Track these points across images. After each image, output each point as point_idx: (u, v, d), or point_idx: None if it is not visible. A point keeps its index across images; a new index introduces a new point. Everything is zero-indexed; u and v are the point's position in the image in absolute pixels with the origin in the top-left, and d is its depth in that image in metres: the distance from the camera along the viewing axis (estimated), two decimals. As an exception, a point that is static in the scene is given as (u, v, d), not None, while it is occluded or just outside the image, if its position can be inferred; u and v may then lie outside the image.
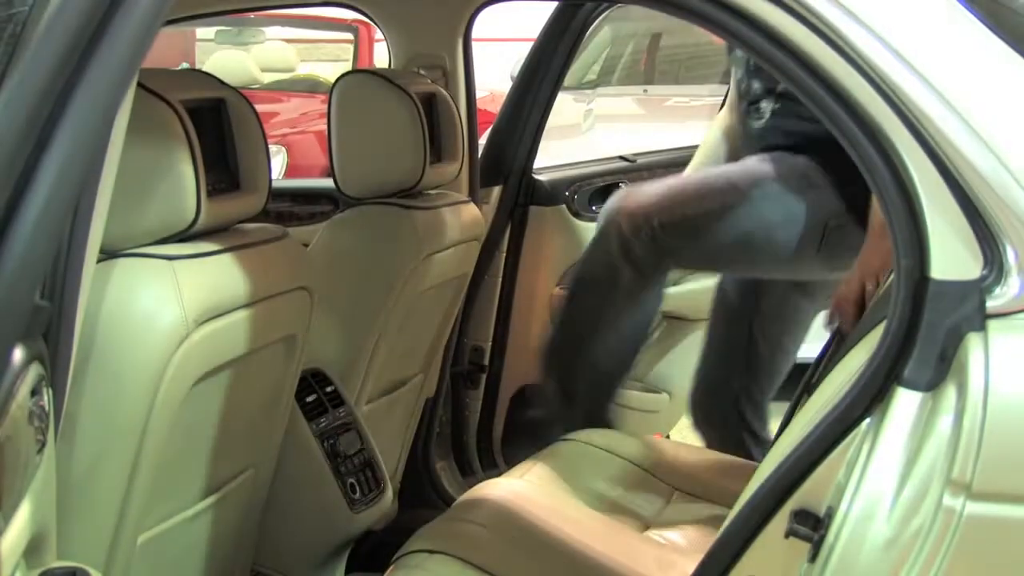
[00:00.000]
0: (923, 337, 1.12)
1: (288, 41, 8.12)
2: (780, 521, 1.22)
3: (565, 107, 4.97)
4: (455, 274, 2.44)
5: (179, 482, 1.68)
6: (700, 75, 6.09)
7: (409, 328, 2.37)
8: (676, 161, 2.84)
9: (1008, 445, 1.07)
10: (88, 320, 1.34)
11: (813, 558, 1.16)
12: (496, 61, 5.65)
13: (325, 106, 2.32)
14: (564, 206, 2.96)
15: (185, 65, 7.79)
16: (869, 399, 1.15)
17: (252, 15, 7.33)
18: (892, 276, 1.19)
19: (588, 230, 2.98)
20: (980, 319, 1.11)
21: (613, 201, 2.33)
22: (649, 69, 6.38)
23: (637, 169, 3.12)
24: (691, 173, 2.50)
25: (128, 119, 1.24)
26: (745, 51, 1.21)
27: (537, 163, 2.93)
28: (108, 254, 1.49)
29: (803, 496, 1.20)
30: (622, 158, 3.15)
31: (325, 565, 2.13)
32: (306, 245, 2.10)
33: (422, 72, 2.59)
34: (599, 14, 2.90)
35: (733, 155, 2.45)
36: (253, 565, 2.03)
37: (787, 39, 1.16)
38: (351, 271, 2.23)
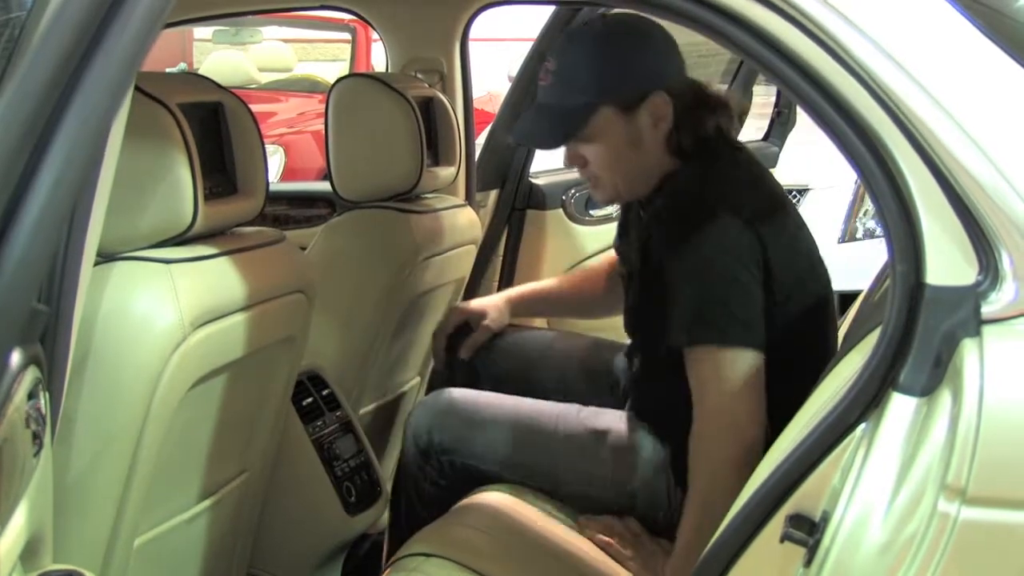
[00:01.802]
0: (918, 342, 1.12)
1: (286, 41, 8.14)
2: (775, 525, 1.22)
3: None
4: (452, 278, 2.44)
5: (175, 485, 1.68)
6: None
7: (406, 332, 2.37)
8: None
9: (1003, 450, 1.07)
10: (85, 323, 1.34)
11: (808, 563, 1.16)
12: (495, 61, 5.64)
13: (323, 106, 2.32)
14: (561, 210, 2.96)
15: (183, 65, 7.80)
16: (864, 404, 1.15)
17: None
18: (888, 281, 1.19)
19: (585, 234, 2.99)
20: (975, 324, 1.11)
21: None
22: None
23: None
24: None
25: (126, 123, 1.24)
26: (745, 58, 1.21)
27: (536, 160, 2.93)
28: (105, 257, 1.49)
29: (798, 500, 1.20)
30: None
31: (321, 568, 2.13)
32: (303, 248, 2.10)
33: (419, 76, 2.60)
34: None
35: None
36: (249, 568, 2.03)
37: (784, 45, 1.16)
38: (348, 275, 2.23)
